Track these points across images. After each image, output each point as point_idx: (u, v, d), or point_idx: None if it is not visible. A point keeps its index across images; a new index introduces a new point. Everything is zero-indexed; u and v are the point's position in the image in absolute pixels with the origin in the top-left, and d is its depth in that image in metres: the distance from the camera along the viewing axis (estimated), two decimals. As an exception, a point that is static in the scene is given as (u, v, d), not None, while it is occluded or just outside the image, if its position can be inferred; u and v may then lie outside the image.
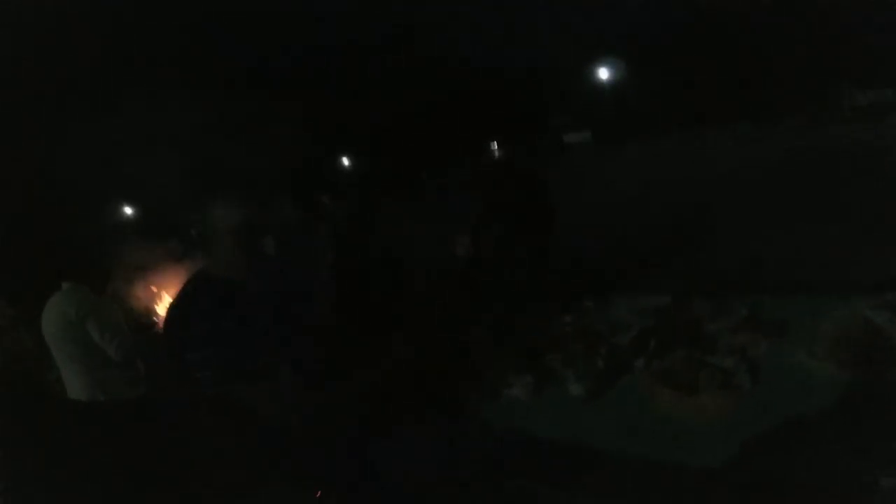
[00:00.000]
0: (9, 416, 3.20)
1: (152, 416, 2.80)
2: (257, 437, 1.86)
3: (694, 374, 2.17)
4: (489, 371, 2.62)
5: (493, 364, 2.66)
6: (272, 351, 1.88)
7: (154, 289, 3.21)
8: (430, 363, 2.69)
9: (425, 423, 2.31)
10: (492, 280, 3.52)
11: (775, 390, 2.07)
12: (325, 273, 3.19)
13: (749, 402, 2.04)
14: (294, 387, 1.88)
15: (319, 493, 1.91)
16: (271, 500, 2.00)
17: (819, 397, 1.98)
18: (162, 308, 3.11)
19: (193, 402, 2.04)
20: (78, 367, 2.84)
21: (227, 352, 1.80)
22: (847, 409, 1.92)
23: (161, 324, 2.86)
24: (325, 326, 2.19)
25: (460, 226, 3.68)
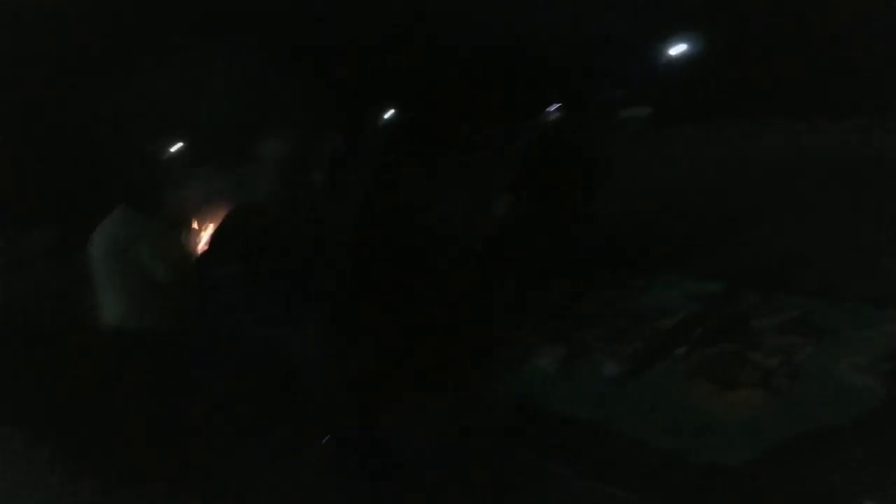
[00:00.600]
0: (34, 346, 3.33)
1: (183, 348, 2.76)
2: (275, 381, 1.91)
3: (734, 369, 2.21)
4: (518, 337, 2.63)
5: (524, 330, 2.66)
6: (299, 296, 1.93)
7: (200, 218, 3.21)
8: (456, 322, 2.67)
9: (444, 383, 2.32)
10: (533, 244, 3.45)
11: (812, 396, 2.08)
12: (358, 218, 3.20)
13: (784, 405, 2.06)
14: (316, 336, 1.92)
15: (326, 438, 1.97)
16: (282, 445, 2.06)
17: (855, 409, 1.99)
18: (205, 236, 3.13)
19: (221, 337, 2.08)
20: (120, 293, 2.87)
21: (257, 290, 1.86)
22: (881, 425, 1.94)
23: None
24: (353, 275, 2.23)
25: (505, 183, 3.63)
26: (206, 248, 2.34)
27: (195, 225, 3.22)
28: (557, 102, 3.75)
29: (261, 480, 2.14)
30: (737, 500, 1.79)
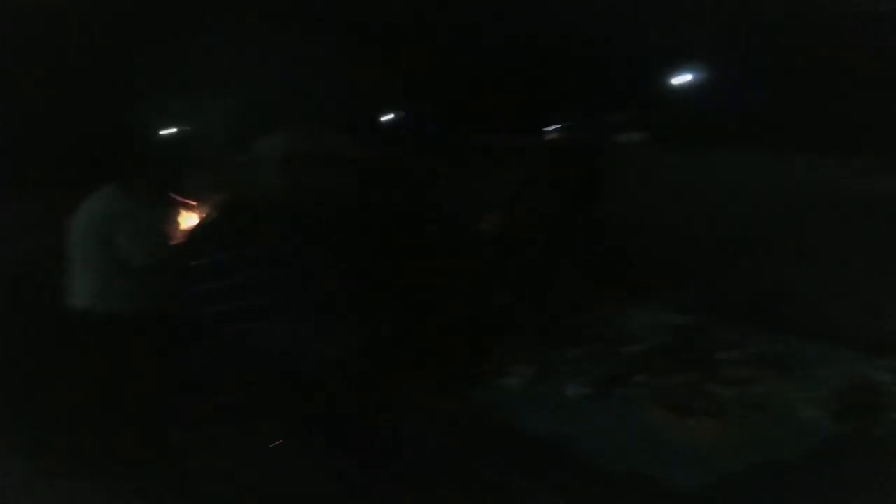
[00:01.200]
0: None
1: (154, 335, 2.72)
2: (251, 374, 1.93)
3: (692, 398, 2.27)
4: (489, 355, 2.65)
5: (495, 349, 2.68)
6: (284, 289, 1.95)
7: (187, 207, 3.19)
8: (431, 334, 2.64)
9: (413, 391, 2.31)
10: (514, 263, 3.48)
11: (766, 429, 2.15)
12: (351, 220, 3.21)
13: (737, 436, 2.12)
14: (296, 331, 1.93)
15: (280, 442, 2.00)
16: (254, 439, 2.07)
17: (806, 444, 2.05)
18: (189, 225, 3.10)
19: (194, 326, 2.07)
20: (93, 274, 2.85)
21: (240, 283, 1.88)
22: (830, 461, 2.00)
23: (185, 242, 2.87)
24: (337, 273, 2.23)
25: (495, 199, 3.66)
26: (189, 237, 2.36)
27: (181, 212, 3.17)
28: (557, 121, 3.81)
29: (236, 472, 2.14)
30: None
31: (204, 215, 2.86)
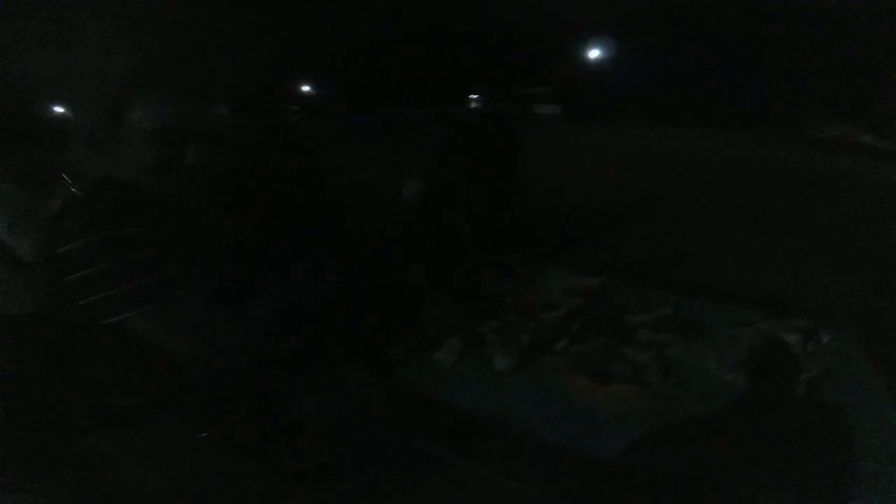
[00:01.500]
0: None
1: (42, 334, 2.61)
2: (149, 368, 1.75)
3: (608, 364, 2.25)
4: (418, 329, 2.57)
5: (424, 323, 2.60)
6: (175, 276, 1.75)
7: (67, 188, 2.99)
8: (354, 308, 2.60)
9: (335, 369, 2.22)
10: (436, 232, 3.44)
11: (681, 392, 2.16)
12: (248, 191, 3.00)
13: (654, 400, 2.12)
14: (196, 317, 1.76)
15: (205, 434, 1.83)
16: (160, 434, 1.92)
17: (720, 405, 2.09)
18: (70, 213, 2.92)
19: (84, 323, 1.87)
20: None
21: (124, 273, 1.67)
22: (744, 421, 2.03)
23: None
24: (239, 251, 2.07)
25: (415, 168, 3.58)
26: (60, 220, 2.05)
27: (63, 199, 2.95)
28: (477, 93, 3.70)
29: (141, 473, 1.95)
30: (614, 490, 1.80)
31: (76, 196, 2.60)
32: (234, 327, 1.90)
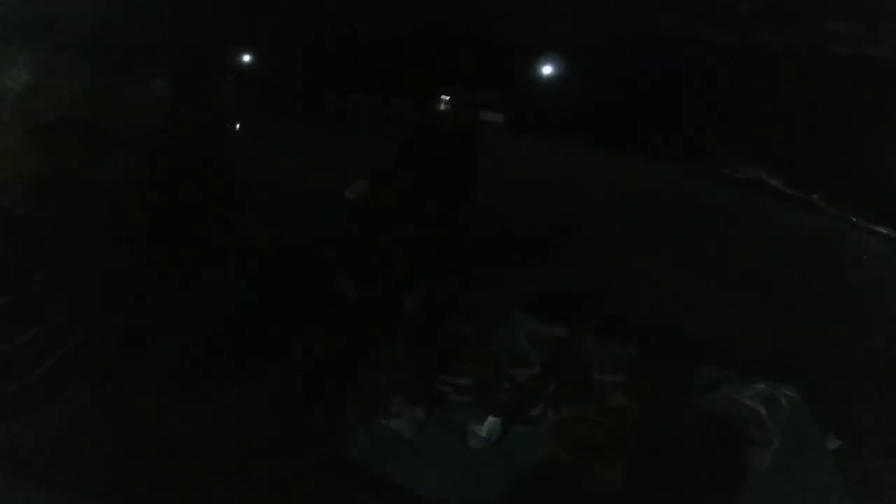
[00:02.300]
0: None
1: None
2: None
3: (591, 435, 2.25)
4: (369, 392, 2.29)
5: (375, 384, 2.33)
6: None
7: None
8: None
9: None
10: (380, 246, 3.15)
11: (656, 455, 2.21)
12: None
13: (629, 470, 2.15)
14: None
15: None
16: None
17: (692, 476, 2.15)
18: None
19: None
20: None
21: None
22: (706, 487, 2.11)
23: None
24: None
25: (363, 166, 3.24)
26: None
27: None
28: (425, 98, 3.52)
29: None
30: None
31: None
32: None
